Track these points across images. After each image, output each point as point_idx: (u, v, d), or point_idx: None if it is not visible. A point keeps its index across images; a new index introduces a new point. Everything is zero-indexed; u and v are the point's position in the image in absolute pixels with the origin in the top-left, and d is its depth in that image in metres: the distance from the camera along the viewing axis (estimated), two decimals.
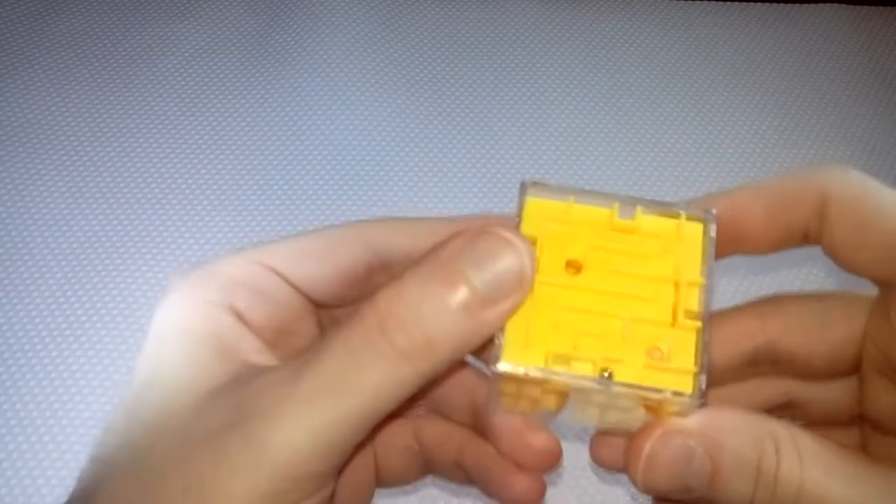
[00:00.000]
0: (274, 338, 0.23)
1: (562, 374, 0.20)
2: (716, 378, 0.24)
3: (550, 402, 0.22)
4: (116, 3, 0.73)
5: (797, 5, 0.77)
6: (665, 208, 0.23)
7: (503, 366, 0.20)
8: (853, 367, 0.24)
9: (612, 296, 0.21)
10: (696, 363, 0.21)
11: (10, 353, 0.50)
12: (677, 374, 0.21)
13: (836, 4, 0.77)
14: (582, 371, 0.20)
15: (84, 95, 0.65)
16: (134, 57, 0.68)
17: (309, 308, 0.24)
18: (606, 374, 0.20)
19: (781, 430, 0.21)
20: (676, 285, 0.22)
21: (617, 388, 0.20)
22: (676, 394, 0.20)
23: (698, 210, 0.22)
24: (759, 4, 0.77)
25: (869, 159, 0.65)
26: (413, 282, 0.20)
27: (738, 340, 0.25)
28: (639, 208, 0.23)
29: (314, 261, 0.23)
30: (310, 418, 0.19)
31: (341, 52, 0.69)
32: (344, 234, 0.24)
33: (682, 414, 0.21)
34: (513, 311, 0.20)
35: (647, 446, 0.21)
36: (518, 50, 0.72)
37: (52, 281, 0.54)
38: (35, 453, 0.46)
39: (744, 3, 0.77)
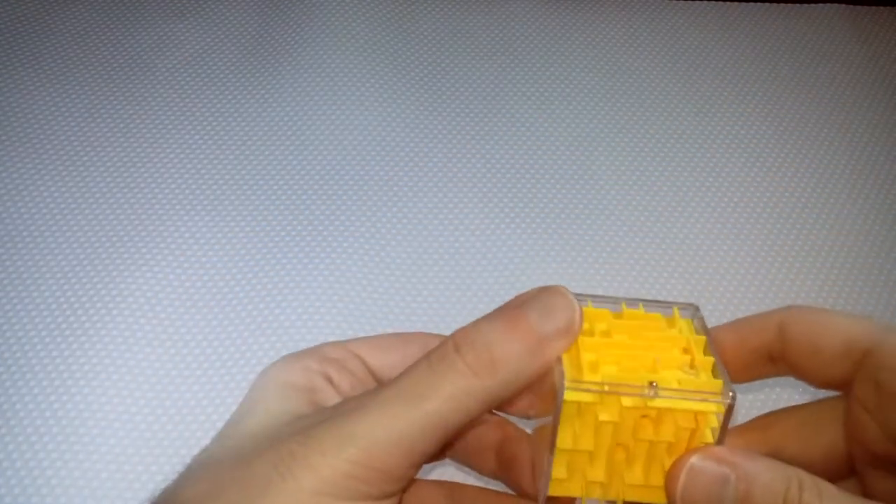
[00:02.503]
0: None
1: (618, 384, 0.24)
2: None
3: (598, 472, 0.25)
4: (116, 3, 0.73)
5: (797, 5, 0.77)
6: (661, 305, 0.27)
7: (569, 384, 0.24)
8: (849, 466, 0.27)
9: (638, 347, 0.26)
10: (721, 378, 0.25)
11: (9, 353, 0.50)
12: (708, 385, 0.24)
13: (836, 4, 0.77)
14: (633, 380, 0.24)
15: (84, 95, 0.65)
16: (134, 57, 0.68)
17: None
18: (653, 385, 0.24)
19: (805, 474, 0.23)
20: (686, 343, 0.26)
21: (664, 394, 0.24)
22: (715, 394, 0.24)
23: (686, 307, 0.28)
24: (759, 4, 0.77)
25: (869, 159, 0.65)
26: (484, 319, 0.25)
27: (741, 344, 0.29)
28: (640, 304, 0.27)
29: (386, 352, 0.29)
30: (390, 416, 0.23)
31: (341, 52, 0.69)
32: (412, 337, 0.30)
33: (715, 435, 0.24)
34: (563, 348, 0.25)
35: (689, 464, 0.24)
36: (518, 50, 0.72)
37: (52, 281, 0.54)
38: (35, 453, 0.46)
39: (744, 3, 0.77)
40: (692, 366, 0.25)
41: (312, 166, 0.61)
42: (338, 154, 0.62)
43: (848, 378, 0.26)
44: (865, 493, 0.27)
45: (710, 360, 0.25)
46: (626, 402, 0.24)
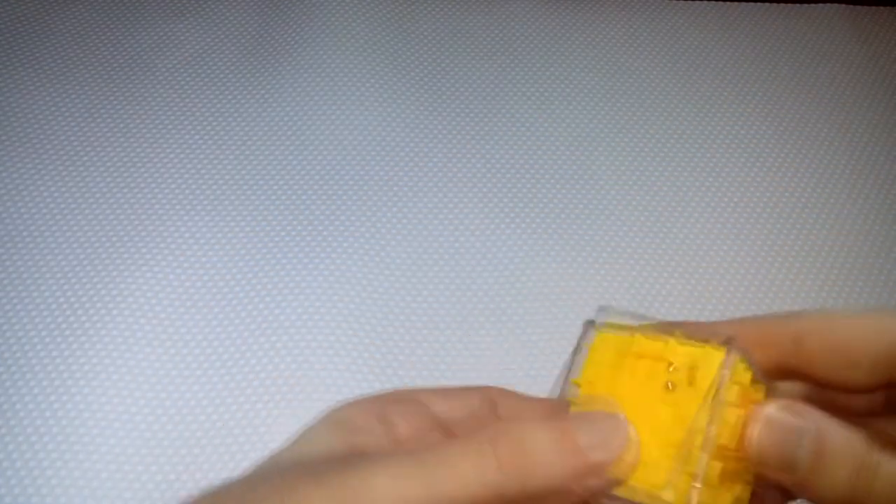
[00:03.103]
0: (412, 445, 0.28)
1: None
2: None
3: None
4: (116, 3, 0.73)
5: (797, 5, 0.77)
6: (697, 341, 0.26)
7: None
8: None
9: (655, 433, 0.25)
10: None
11: (9, 353, 0.50)
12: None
13: (836, 4, 0.77)
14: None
15: (84, 95, 0.65)
16: (134, 57, 0.68)
17: (441, 436, 0.29)
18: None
19: (882, 441, 0.23)
20: (686, 435, 0.25)
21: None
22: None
23: (723, 346, 0.25)
24: (759, 4, 0.77)
25: (869, 159, 0.65)
26: (533, 420, 0.24)
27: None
28: (672, 340, 0.26)
29: (447, 399, 0.29)
30: (398, 478, 0.22)
31: (341, 52, 0.69)
32: (475, 389, 0.30)
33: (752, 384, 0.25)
34: (602, 468, 0.24)
35: (766, 413, 0.23)
36: (518, 50, 0.72)
37: (52, 281, 0.54)
38: (35, 453, 0.46)
39: (744, 3, 0.77)
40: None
41: (312, 166, 0.61)
42: (338, 154, 0.62)
43: (886, 381, 0.25)
44: None
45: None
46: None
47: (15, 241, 0.56)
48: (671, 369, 0.25)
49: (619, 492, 0.24)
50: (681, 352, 0.25)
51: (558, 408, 0.28)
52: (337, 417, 0.27)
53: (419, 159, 0.63)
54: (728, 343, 0.25)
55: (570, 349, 0.28)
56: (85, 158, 0.61)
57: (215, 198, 0.59)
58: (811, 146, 0.66)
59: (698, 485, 0.24)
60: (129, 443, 0.47)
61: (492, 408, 0.29)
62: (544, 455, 0.23)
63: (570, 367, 0.27)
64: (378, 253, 0.57)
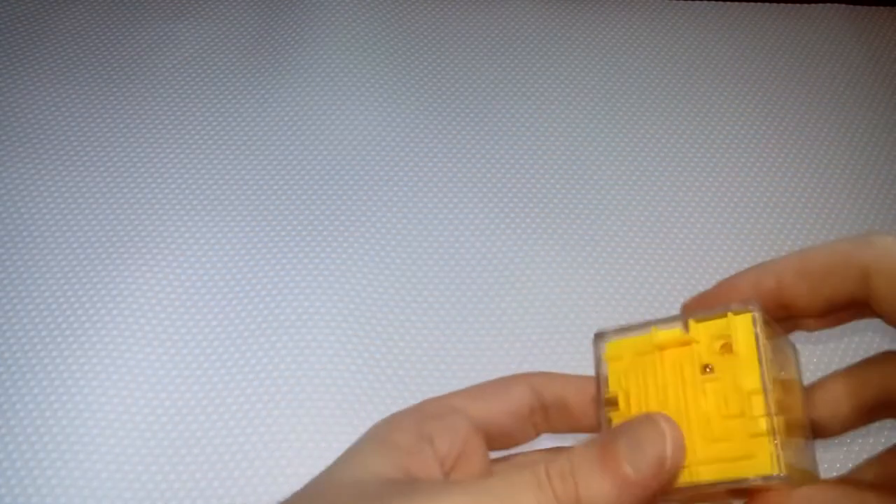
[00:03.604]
0: (452, 463, 0.28)
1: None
2: (838, 424, 0.27)
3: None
4: (116, 3, 0.73)
5: (797, 5, 0.77)
6: (713, 312, 0.25)
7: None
8: None
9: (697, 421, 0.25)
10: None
11: (10, 353, 0.50)
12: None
13: (836, 4, 0.77)
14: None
15: (84, 95, 0.65)
16: (134, 57, 0.68)
17: (481, 443, 0.30)
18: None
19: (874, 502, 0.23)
20: (744, 400, 0.24)
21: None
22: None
23: (741, 305, 0.25)
24: (759, 4, 0.77)
25: (869, 159, 0.65)
26: (580, 449, 0.24)
27: (855, 394, 0.27)
28: (690, 321, 0.26)
29: (490, 401, 0.29)
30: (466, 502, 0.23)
31: (341, 52, 0.69)
32: (513, 380, 0.30)
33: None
34: (656, 488, 0.24)
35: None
36: (518, 50, 0.72)
37: (52, 281, 0.54)
38: (35, 453, 0.46)
39: (744, 3, 0.77)
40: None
41: (312, 166, 0.61)
42: (338, 154, 0.62)
43: None
44: None
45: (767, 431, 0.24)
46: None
47: (15, 241, 0.56)
48: (700, 349, 0.25)
49: (706, 475, 0.24)
50: (703, 329, 0.25)
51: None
52: (382, 437, 0.27)
53: (419, 159, 0.63)
54: (755, 307, 0.24)
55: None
56: (85, 158, 0.61)
57: (215, 198, 0.59)
58: (811, 146, 0.66)
59: (777, 441, 0.24)
60: (129, 443, 0.47)
61: (534, 400, 0.29)
62: (594, 485, 0.23)
63: (597, 386, 0.27)
64: (378, 253, 0.57)
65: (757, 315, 0.24)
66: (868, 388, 0.27)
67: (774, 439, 0.24)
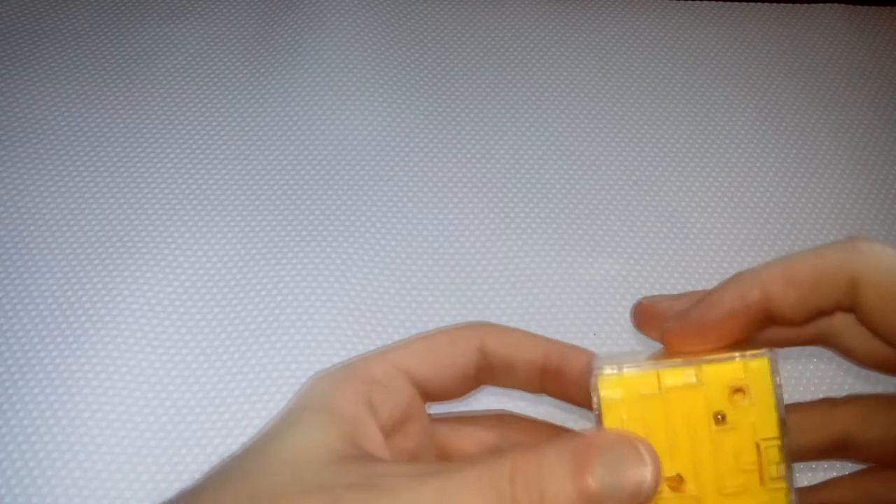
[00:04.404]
0: (391, 430, 0.27)
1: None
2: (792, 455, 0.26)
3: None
4: (116, 3, 0.73)
5: (797, 5, 0.77)
6: (727, 357, 0.24)
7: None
8: None
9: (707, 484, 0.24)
10: None
11: (10, 354, 0.50)
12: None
13: (836, 4, 0.77)
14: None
15: (84, 95, 0.65)
16: (134, 57, 0.68)
17: (423, 407, 0.29)
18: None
19: None
20: (758, 447, 0.24)
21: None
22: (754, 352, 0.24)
23: (758, 350, 0.24)
24: (759, 4, 0.77)
25: (869, 159, 0.65)
26: (552, 453, 0.22)
27: (816, 430, 0.27)
28: (703, 366, 0.24)
29: (435, 359, 0.28)
30: None
31: (341, 52, 0.69)
32: (460, 333, 0.28)
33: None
34: None
35: None
36: (518, 50, 0.72)
37: (52, 281, 0.54)
38: (35, 453, 0.46)
39: (744, 3, 0.77)
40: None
41: (312, 166, 0.61)
42: (338, 154, 0.62)
43: None
44: None
45: (782, 488, 0.24)
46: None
47: (15, 241, 0.56)
48: (710, 394, 0.24)
49: None
50: (714, 373, 0.24)
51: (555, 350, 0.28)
52: (324, 406, 0.25)
53: (419, 158, 0.63)
54: (770, 351, 0.24)
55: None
56: (85, 158, 0.61)
57: (215, 198, 0.59)
58: (811, 146, 0.66)
59: (794, 497, 0.23)
60: (129, 443, 0.47)
61: (480, 359, 0.28)
62: (560, 501, 0.22)
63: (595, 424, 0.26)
64: (378, 253, 0.57)
65: (773, 360, 0.24)
66: (830, 427, 0.27)
67: (792, 495, 0.23)
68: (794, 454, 0.25)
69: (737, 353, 0.24)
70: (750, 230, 0.60)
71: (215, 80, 0.67)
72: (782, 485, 0.23)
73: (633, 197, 0.62)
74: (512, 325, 0.53)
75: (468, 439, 0.30)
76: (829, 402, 0.27)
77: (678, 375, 0.24)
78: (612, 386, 0.24)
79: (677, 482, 0.24)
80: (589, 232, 0.59)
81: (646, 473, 0.22)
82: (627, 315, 0.54)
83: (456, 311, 0.54)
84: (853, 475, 0.28)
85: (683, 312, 0.26)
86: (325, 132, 0.64)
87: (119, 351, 0.50)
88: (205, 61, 0.69)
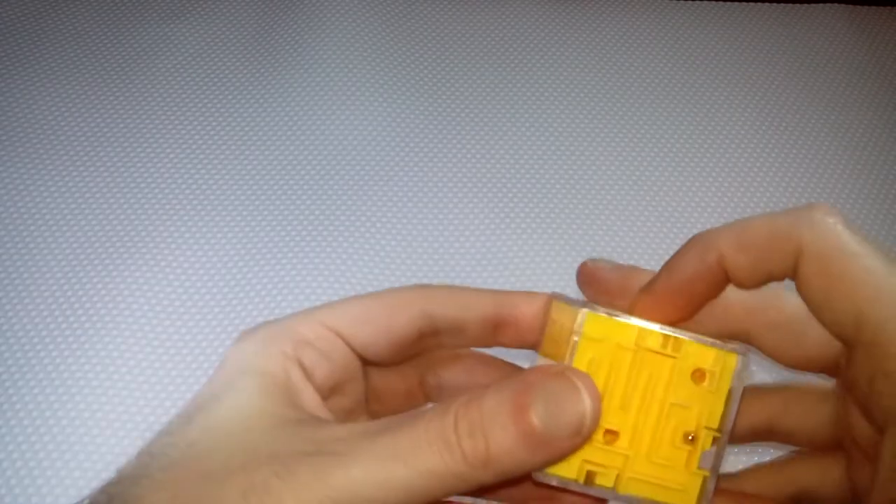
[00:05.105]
0: (328, 392, 0.26)
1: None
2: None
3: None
4: (116, 3, 0.73)
5: (797, 5, 0.77)
6: (708, 341, 0.25)
7: (546, 476, 0.24)
8: (836, 442, 0.27)
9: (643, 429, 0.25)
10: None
11: (10, 354, 0.50)
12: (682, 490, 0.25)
13: (836, 4, 0.77)
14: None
15: (84, 95, 0.65)
16: (133, 57, 0.68)
17: (359, 367, 0.27)
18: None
19: None
20: (700, 434, 0.25)
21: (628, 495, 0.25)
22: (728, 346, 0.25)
23: (735, 345, 0.25)
24: (759, 4, 0.77)
25: (869, 159, 0.65)
26: (491, 398, 0.22)
27: (745, 416, 0.27)
28: (683, 339, 0.25)
29: (372, 326, 0.26)
30: (378, 472, 0.21)
31: (341, 52, 0.69)
32: (400, 299, 0.27)
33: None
34: (568, 453, 0.23)
35: None
36: (518, 50, 0.72)
37: (52, 281, 0.54)
38: (35, 453, 0.46)
39: (744, 3, 0.77)
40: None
41: (312, 166, 0.61)
42: (338, 154, 0.62)
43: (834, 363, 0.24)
44: (850, 469, 0.26)
45: (701, 475, 0.25)
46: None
47: (15, 241, 0.56)
48: (678, 370, 0.25)
49: (631, 488, 0.25)
50: (689, 351, 0.25)
51: (499, 301, 0.27)
52: (259, 370, 0.24)
53: (419, 158, 0.63)
54: (745, 350, 0.25)
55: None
56: (85, 158, 0.61)
57: (215, 198, 0.59)
58: (811, 146, 0.66)
59: (711, 488, 0.24)
60: (129, 443, 0.47)
61: (424, 325, 0.27)
62: (505, 444, 0.22)
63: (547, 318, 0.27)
64: (378, 252, 0.57)
65: (744, 361, 0.25)
66: (757, 415, 0.27)
67: (710, 484, 0.24)
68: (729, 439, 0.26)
69: (718, 342, 0.25)
70: None
71: (215, 80, 0.67)
72: (704, 473, 0.24)
73: (633, 197, 0.62)
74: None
75: (398, 378, 0.29)
76: (757, 390, 0.28)
77: (657, 340, 0.25)
78: (595, 326, 0.25)
79: (612, 436, 0.25)
80: (589, 232, 0.59)
81: (585, 408, 0.22)
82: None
83: None
84: (776, 462, 0.28)
85: (650, 283, 0.26)
86: (325, 132, 0.64)
87: (119, 351, 0.50)
88: (205, 61, 0.69)
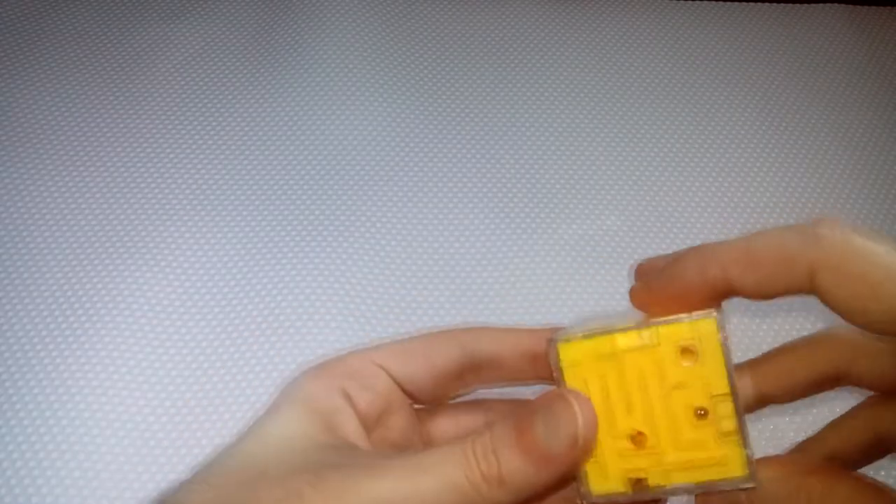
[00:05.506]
0: (373, 422, 0.28)
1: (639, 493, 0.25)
2: (787, 395, 0.27)
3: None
4: (116, 3, 0.73)
5: (797, 5, 0.77)
6: (676, 318, 0.25)
7: (596, 498, 0.26)
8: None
9: (658, 426, 0.26)
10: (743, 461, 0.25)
11: (10, 353, 0.50)
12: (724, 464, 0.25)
13: (836, 4, 0.77)
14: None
15: (84, 95, 0.65)
16: (133, 57, 0.68)
17: (405, 401, 0.30)
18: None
19: (816, 485, 0.23)
20: (711, 405, 0.25)
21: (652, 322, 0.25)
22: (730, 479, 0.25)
23: (705, 310, 0.25)
24: (759, 4, 0.77)
25: (869, 159, 0.65)
26: (501, 424, 0.25)
27: (806, 369, 0.28)
28: (653, 327, 0.26)
29: (414, 359, 0.29)
30: (406, 484, 0.23)
31: (341, 52, 0.69)
32: (441, 336, 0.29)
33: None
34: (571, 465, 0.25)
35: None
36: (518, 50, 0.72)
37: (52, 281, 0.54)
38: (35, 453, 0.46)
39: (744, 3, 0.77)
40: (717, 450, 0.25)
41: (312, 166, 0.61)
42: (338, 154, 0.62)
43: None
44: None
45: (735, 441, 0.25)
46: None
47: (15, 241, 0.56)
48: (662, 354, 0.25)
49: (678, 479, 0.25)
50: (665, 334, 0.25)
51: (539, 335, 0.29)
52: (303, 396, 0.27)
53: (419, 158, 0.63)
54: (716, 311, 0.25)
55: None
56: (85, 158, 0.61)
57: (215, 198, 0.59)
58: (811, 146, 0.66)
59: (750, 448, 0.24)
60: (129, 443, 0.47)
61: (463, 360, 0.29)
62: (513, 463, 0.24)
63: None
64: (378, 253, 0.57)
65: (720, 318, 0.25)
66: (818, 363, 0.28)
67: (746, 444, 0.24)
68: (790, 394, 0.27)
69: (685, 315, 0.25)
70: (751, 229, 0.60)
71: (215, 80, 0.67)
72: (733, 437, 0.24)
73: (633, 197, 0.62)
74: (511, 324, 0.53)
75: (451, 424, 0.31)
76: (824, 337, 0.28)
77: (632, 338, 0.25)
78: (570, 352, 0.26)
79: (641, 438, 0.25)
80: (589, 231, 0.59)
81: (578, 422, 0.24)
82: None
83: (456, 310, 0.54)
84: (851, 410, 0.28)
85: (647, 280, 0.27)
86: (325, 132, 0.64)
87: (119, 351, 0.50)
88: (205, 61, 0.69)
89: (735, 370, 0.25)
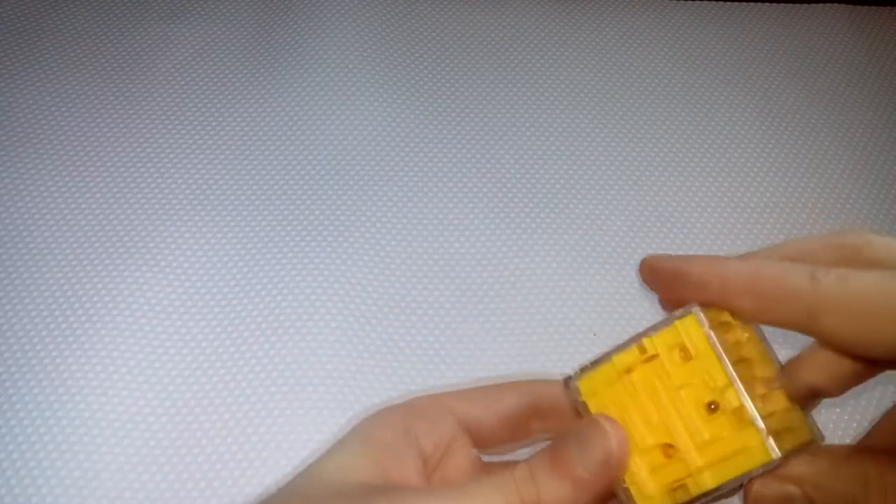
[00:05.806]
0: (435, 463, 0.30)
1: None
2: (838, 387, 0.27)
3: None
4: (116, 3, 0.73)
5: (797, 5, 0.77)
6: (662, 324, 0.26)
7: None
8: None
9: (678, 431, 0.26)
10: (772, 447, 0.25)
11: (10, 353, 0.50)
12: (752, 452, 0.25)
13: (836, 4, 0.77)
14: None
15: (84, 95, 0.65)
16: (133, 57, 0.68)
17: (468, 444, 0.31)
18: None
19: (872, 470, 0.24)
20: (719, 397, 0.25)
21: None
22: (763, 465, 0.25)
23: (679, 310, 0.26)
24: (759, 4, 0.77)
25: (869, 159, 0.65)
26: (540, 453, 0.26)
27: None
28: (644, 339, 0.26)
29: (480, 402, 0.30)
30: None
31: (341, 52, 0.69)
32: (507, 383, 0.31)
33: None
34: (606, 484, 0.26)
35: (753, 488, 0.25)
36: (518, 50, 0.72)
37: (52, 281, 0.54)
38: (35, 453, 0.46)
39: (744, 3, 0.77)
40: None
41: (312, 166, 0.61)
42: (338, 154, 0.62)
43: None
44: None
45: (757, 430, 0.25)
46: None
47: (15, 241, 0.56)
48: (663, 361, 0.26)
49: (711, 480, 0.25)
50: (659, 343, 0.26)
51: None
52: (367, 433, 0.28)
53: (419, 159, 0.63)
54: (693, 306, 0.25)
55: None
56: (85, 158, 0.61)
57: (215, 198, 0.59)
58: (811, 146, 0.66)
59: (764, 428, 0.24)
60: (129, 443, 0.47)
61: (528, 406, 0.30)
62: (551, 487, 0.25)
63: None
64: (378, 253, 0.57)
65: (698, 313, 0.25)
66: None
67: (761, 427, 0.24)
68: (840, 383, 0.26)
69: (667, 317, 0.26)
70: (750, 230, 0.60)
71: (215, 80, 0.67)
72: (750, 423, 0.25)
73: (633, 197, 0.62)
74: (511, 324, 0.53)
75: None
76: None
77: (628, 356, 0.27)
78: (587, 384, 0.28)
79: (669, 449, 0.26)
80: (589, 231, 0.59)
81: (610, 443, 0.25)
82: (627, 316, 0.55)
83: (456, 310, 0.54)
84: None
85: (658, 267, 0.28)
86: (325, 132, 0.64)
87: (119, 351, 0.50)
88: (205, 61, 0.69)
89: (781, 369, 0.26)
